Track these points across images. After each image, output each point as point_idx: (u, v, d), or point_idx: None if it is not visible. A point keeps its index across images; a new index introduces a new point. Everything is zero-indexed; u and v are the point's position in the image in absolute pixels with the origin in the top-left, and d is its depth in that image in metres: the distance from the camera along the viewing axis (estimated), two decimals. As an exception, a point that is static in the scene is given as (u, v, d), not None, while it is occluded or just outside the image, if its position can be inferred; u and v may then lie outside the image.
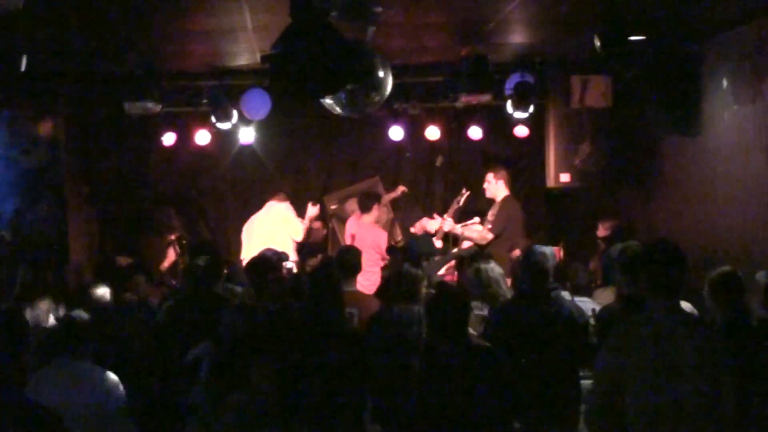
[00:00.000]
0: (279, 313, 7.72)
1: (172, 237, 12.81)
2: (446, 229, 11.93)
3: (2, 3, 5.80)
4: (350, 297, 8.38)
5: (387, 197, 13.36)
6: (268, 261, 8.90)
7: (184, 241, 12.64)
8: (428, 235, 11.94)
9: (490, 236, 11.51)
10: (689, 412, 5.11)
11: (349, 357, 7.05)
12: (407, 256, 9.68)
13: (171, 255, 12.61)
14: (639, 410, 5.21)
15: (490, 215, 11.77)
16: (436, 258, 10.89)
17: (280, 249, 9.54)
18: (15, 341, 6.11)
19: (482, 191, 12.17)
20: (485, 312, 8.02)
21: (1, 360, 4.68)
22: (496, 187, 11.96)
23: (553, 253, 8.91)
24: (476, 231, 11.66)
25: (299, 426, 4.91)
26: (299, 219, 12.60)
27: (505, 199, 11.88)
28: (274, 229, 12.25)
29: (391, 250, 11.74)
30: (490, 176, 12.00)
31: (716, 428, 5.12)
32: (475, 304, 8.07)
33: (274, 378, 4.94)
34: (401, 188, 13.59)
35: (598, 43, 8.97)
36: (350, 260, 9.12)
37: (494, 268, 8.33)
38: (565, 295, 8.17)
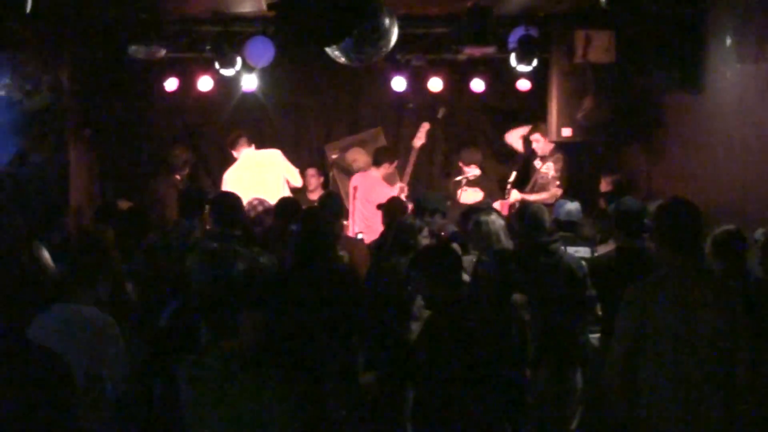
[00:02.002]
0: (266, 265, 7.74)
1: (178, 177, 12.76)
2: (511, 200, 12.01)
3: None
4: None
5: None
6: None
7: (180, 187, 12.61)
8: (440, 194, 11.78)
9: (560, 192, 11.61)
10: (706, 371, 5.19)
11: (345, 299, 7.10)
12: (415, 208, 9.56)
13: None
14: (656, 368, 5.28)
15: (555, 170, 11.86)
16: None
17: (274, 194, 9.57)
18: (14, 281, 6.15)
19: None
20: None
21: (1, 301, 4.69)
22: (546, 144, 12.11)
23: (578, 207, 8.91)
24: (545, 192, 11.71)
25: (288, 373, 4.92)
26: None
27: (561, 153, 12.10)
28: (266, 176, 12.07)
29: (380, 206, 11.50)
30: (536, 136, 12.11)
31: (731, 389, 5.20)
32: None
33: (263, 325, 4.95)
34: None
35: (604, -2, 8.96)
36: (332, 206, 9.23)
37: (495, 221, 8.34)
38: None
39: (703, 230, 5.66)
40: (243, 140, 12.40)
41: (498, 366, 5.83)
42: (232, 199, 8.62)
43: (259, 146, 12.62)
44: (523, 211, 8.19)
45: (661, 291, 5.38)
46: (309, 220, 7.63)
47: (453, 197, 12.29)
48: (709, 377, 5.20)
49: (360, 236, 10.47)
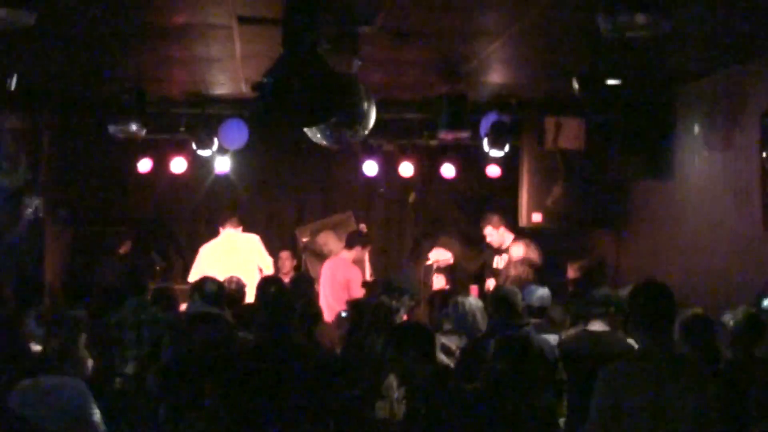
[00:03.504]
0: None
1: (122, 251, 12.81)
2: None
3: (14, 19, 5.85)
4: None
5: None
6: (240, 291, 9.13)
7: (158, 267, 12.64)
8: (410, 276, 11.90)
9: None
10: None
11: (311, 377, 7.12)
12: (385, 288, 9.68)
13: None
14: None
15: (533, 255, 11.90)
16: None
17: (245, 278, 9.71)
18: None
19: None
20: (459, 344, 8.17)
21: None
22: (501, 235, 12.17)
23: (548, 293, 8.99)
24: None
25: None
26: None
27: (526, 240, 12.06)
28: (241, 258, 12.10)
29: (365, 284, 11.63)
30: (489, 229, 12.19)
31: None
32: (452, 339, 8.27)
33: (228, 399, 5.00)
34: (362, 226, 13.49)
35: (576, 85, 9.14)
36: (303, 286, 9.37)
37: (472, 302, 8.47)
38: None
39: (675, 310, 5.76)
40: (234, 220, 12.49)
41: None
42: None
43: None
44: (495, 293, 8.33)
45: (635, 371, 5.43)
46: (274, 299, 7.72)
47: (425, 281, 12.35)
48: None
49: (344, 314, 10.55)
